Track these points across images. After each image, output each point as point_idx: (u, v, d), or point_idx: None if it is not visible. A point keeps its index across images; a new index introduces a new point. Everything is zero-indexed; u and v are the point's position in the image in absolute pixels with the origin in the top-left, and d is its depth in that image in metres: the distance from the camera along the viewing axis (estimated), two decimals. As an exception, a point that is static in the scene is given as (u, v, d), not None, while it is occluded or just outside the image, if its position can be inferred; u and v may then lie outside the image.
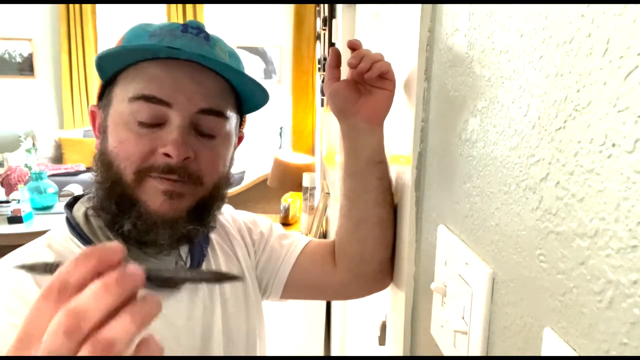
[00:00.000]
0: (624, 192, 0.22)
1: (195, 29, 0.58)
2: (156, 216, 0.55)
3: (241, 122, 0.67)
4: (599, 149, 0.23)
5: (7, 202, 2.86)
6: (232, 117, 0.61)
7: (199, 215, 0.59)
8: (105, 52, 0.54)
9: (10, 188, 3.33)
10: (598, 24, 0.23)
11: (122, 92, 0.56)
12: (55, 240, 0.58)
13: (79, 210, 0.60)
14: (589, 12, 0.24)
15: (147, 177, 0.55)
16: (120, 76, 0.57)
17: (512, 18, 0.33)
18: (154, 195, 0.55)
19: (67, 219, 0.60)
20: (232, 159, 0.64)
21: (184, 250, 0.64)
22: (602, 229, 0.23)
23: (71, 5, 4.68)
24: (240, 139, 0.68)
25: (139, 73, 0.56)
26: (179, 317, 0.60)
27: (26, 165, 3.05)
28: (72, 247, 0.58)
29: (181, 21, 4.52)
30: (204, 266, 0.66)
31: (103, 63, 0.57)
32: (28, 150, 3.15)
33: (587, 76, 0.24)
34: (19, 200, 2.82)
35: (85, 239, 0.58)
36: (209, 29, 0.61)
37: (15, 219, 2.63)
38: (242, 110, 0.66)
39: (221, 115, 0.58)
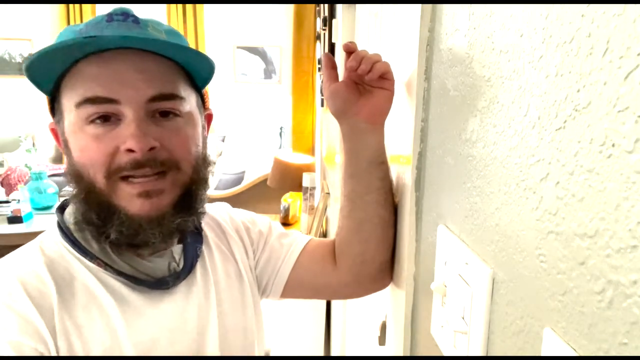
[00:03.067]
0: (624, 192, 0.22)
1: (122, 15, 0.55)
2: (139, 219, 0.55)
3: (203, 100, 0.65)
4: (599, 149, 0.23)
5: (7, 202, 2.86)
6: (188, 95, 0.59)
7: (186, 205, 0.58)
8: (29, 61, 0.52)
9: (10, 188, 3.33)
10: (598, 24, 0.23)
11: (69, 101, 0.54)
12: (47, 244, 0.58)
13: (70, 215, 0.59)
14: (589, 12, 0.24)
15: (119, 180, 0.54)
16: (61, 85, 0.56)
17: (512, 18, 0.33)
18: (130, 200, 0.54)
19: (59, 224, 0.59)
20: (204, 139, 0.63)
21: (177, 252, 0.63)
22: (602, 229, 0.23)
23: (71, 5, 4.68)
24: (209, 117, 0.67)
25: (77, 77, 0.54)
26: (172, 318, 0.60)
27: (26, 165, 3.05)
28: (63, 252, 0.57)
29: (181, 22, 4.47)
30: (198, 265, 0.65)
31: (34, 74, 0.54)
32: (28, 150, 3.15)
33: (587, 76, 0.24)
34: (19, 200, 2.82)
35: (77, 245, 0.57)
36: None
37: (15, 219, 2.63)
38: (198, 87, 0.64)
39: (174, 97, 0.56)
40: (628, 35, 0.21)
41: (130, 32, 0.54)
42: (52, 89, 0.57)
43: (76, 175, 0.55)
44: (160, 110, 0.56)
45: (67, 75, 0.55)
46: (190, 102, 0.59)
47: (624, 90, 0.21)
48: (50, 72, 0.55)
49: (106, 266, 0.56)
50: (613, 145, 0.22)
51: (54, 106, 0.58)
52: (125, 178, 0.54)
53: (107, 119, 0.53)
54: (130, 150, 0.53)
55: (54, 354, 0.51)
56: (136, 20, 0.56)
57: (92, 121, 0.53)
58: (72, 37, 0.53)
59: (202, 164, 0.61)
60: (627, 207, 0.21)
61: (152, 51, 0.55)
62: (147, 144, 0.53)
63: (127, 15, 0.56)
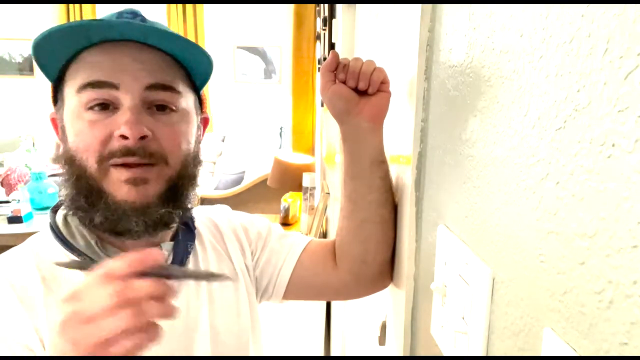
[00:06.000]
0: (624, 192, 0.22)
1: (130, 14, 0.58)
2: (125, 205, 0.55)
3: (201, 103, 0.66)
4: (599, 149, 0.23)
5: (7, 202, 2.85)
6: (186, 93, 0.61)
7: (171, 198, 0.59)
8: (37, 38, 0.53)
9: (10, 188, 3.32)
10: (598, 24, 0.23)
11: (70, 88, 0.56)
12: (38, 243, 0.59)
13: (61, 213, 0.61)
14: (589, 12, 0.24)
15: (110, 167, 0.55)
16: (65, 75, 0.58)
17: (512, 18, 0.33)
18: (118, 186, 0.55)
19: (50, 223, 0.60)
20: (198, 139, 0.64)
21: (167, 248, 0.63)
22: (602, 229, 0.23)
23: (71, 5, 4.68)
24: (205, 120, 0.68)
25: (80, 64, 0.56)
26: None
27: (26, 165, 3.05)
28: (53, 249, 0.58)
29: (181, 22, 4.46)
30: (190, 264, 0.65)
31: (40, 56, 0.56)
32: (28, 150, 3.15)
33: (587, 76, 0.24)
34: (19, 200, 2.82)
35: (65, 242, 0.58)
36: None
37: (15, 219, 2.62)
38: (197, 89, 0.65)
39: (171, 89, 0.58)
40: (628, 35, 0.21)
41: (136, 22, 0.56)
42: (56, 78, 0.59)
43: (69, 159, 0.56)
44: (157, 103, 0.57)
45: (71, 65, 0.57)
46: (187, 99, 0.61)
47: (624, 90, 0.21)
48: (55, 58, 0.57)
49: (92, 262, 0.57)
50: (613, 145, 0.22)
51: (57, 96, 0.60)
52: (115, 165, 0.55)
53: (105, 107, 0.55)
54: (122, 137, 0.54)
55: (38, 346, 0.52)
56: (143, 19, 0.58)
57: (91, 108, 0.55)
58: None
59: (191, 162, 0.62)
60: (627, 207, 0.21)
61: (154, 47, 0.57)
62: (140, 131, 0.54)
63: (135, 14, 0.58)
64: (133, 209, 0.56)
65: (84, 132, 0.55)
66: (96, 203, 0.55)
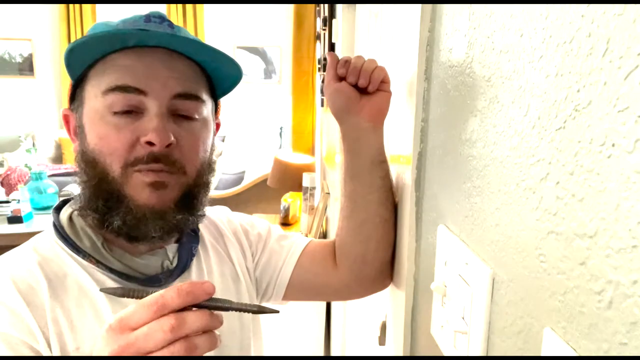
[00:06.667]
0: (624, 192, 0.22)
1: (158, 18, 0.58)
2: (145, 209, 0.55)
3: (216, 109, 0.67)
4: (599, 149, 0.23)
5: (7, 202, 2.85)
6: (208, 101, 0.61)
7: (187, 204, 0.59)
8: (74, 44, 0.54)
9: (10, 188, 3.33)
10: (598, 24, 0.23)
11: (94, 88, 0.56)
12: (40, 244, 0.58)
13: (65, 213, 0.60)
14: (589, 12, 0.24)
15: (134, 172, 0.55)
16: (89, 73, 0.57)
17: (512, 18, 0.33)
18: (141, 189, 0.55)
19: (54, 223, 0.60)
20: (212, 145, 0.64)
21: (171, 250, 0.63)
22: (602, 229, 0.23)
23: (71, 5, 4.68)
24: (217, 126, 0.68)
25: (109, 66, 0.55)
26: None
27: (26, 165, 3.06)
28: (57, 250, 0.58)
29: (181, 22, 4.47)
30: (193, 265, 0.65)
31: (72, 58, 0.56)
32: (28, 150, 3.15)
33: (587, 76, 0.24)
34: (19, 200, 2.82)
35: (70, 243, 0.57)
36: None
37: (15, 219, 2.62)
38: (216, 96, 0.66)
39: (197, 98, 0.58)
40: (628, 35, 0.21)
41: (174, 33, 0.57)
42: (79, 75, 0.59)
43: (89, 162, 0.56)
44: (181, 111, 0.57)
45: (97, 64, 0.56)
46: (207, 107, 0.61)
47: (624, 90, 0.21)
48: (85, 58, 0.57)
49: (98, 263, 0.57)
50: (613, 145, 0.22)
51: (75, 92, 0.59)
52: (139, 170, 0.55)
53: (129, 111, 0.55)
54: (149, 143, 0.54)
55: (43, 346, 0.51)
56: (171, 25, 0.59)
57: (116, 112, 0.54)
58: (107, 30, 0.55)
59: (206, 169, 0.62)
60: (627, 207, 0.21)
61: (182, 54, 0.58)
62: (167, 139, 0.54)
63: (163, 19, 0.58)
64: (152, 212, 0.55)
65: (110, 136, 0.54)
66: (115, 207, 0.55)
